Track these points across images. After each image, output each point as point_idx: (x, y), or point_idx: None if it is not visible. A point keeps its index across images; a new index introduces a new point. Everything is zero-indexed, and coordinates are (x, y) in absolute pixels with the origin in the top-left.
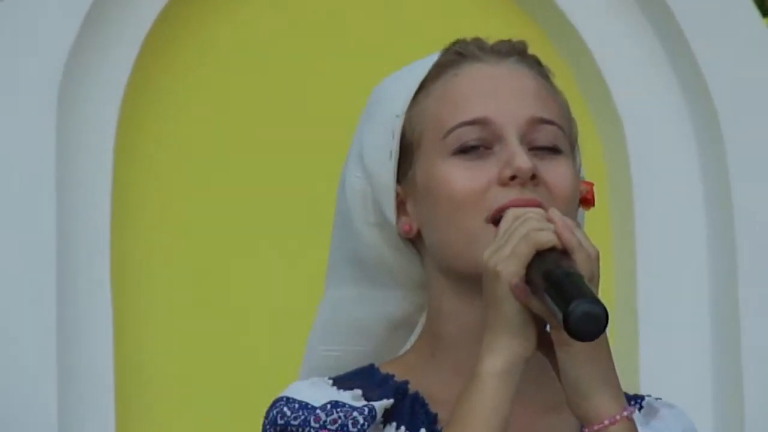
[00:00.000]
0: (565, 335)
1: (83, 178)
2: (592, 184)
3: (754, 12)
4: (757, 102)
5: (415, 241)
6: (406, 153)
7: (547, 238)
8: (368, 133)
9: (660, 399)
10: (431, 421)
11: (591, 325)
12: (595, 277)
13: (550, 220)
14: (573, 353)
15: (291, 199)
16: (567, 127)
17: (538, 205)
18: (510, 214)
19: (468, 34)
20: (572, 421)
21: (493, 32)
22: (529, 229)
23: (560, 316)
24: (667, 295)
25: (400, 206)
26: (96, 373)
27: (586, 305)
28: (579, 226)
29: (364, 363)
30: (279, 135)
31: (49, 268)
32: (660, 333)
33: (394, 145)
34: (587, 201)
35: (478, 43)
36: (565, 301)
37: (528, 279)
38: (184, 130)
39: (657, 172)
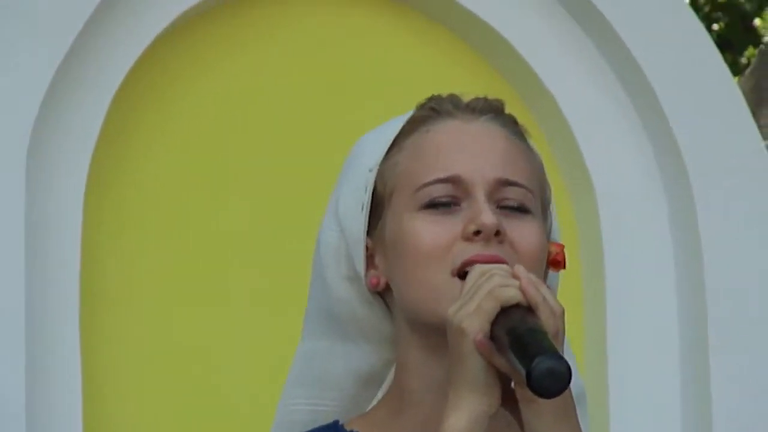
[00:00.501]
0: (528, 392)
1: (53, 219)
2: (562, 246)
3: (726, 72)
4: (729, 159)
5: (384, 295)
6: (378, 207)
7: (511, 294)
8: (344, 188)
9: None
10: None
11: (554, 381)
12: (560, 334)
13: (515, 277)
14: (538, 410)
15: (268, 248)
16: (537, 188)
17: (502, 262)
18: (476, 271)
19: (439, 89)
20: None
21: (463, 89)
22: (494, 285)
23: (523, 372)
24: (637, 359)
25: (370, 260)
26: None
27: (549, 362)
28: (545, 284)
29: (332, 419)
30: (256, 184)
31: (18, 310)
32: (630, 395)
33: (366, 199)
34: (557, 263)
35: (453, 100)
36: (528, 358)
37: (492, 335)
38: (157, 175)
39: (628, 232)
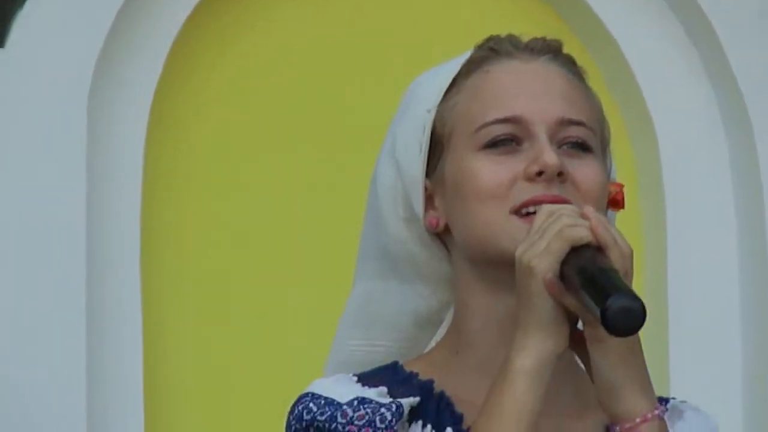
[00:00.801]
0: (598, 332)
1: (114, 169)
2: (622, 186)
3: None
4: None
5: (442, 237)
6: (436, 148)
7: (581, 234)
8: (401, 128)
9: (685, 402)
10: (457, 421)
11: (629, 320)
12: (629, 275)
13: (584, 217)
14: (606, 351)
15: (319, 204)
16: (597, 128)
17: (565, 202)
18: (544, 210)
19: (498, 31)
20: (594, 426)
21: (524, 31)
22: (563, 225)
23: (598, 311)
24: (698, 298)
25: (428, 201)
26: (125, 380)
27: (625, 300)
28: (613, 224)
29: (390, 359)
30: (304, 141)
31: (78, 265)
32: (691, 336)
33: (424, 140)
34: (617, 202)
35: (512, 40)
36: (602, 297)
37: (562, 275)
38: (214, 131)
39: (689, 174)
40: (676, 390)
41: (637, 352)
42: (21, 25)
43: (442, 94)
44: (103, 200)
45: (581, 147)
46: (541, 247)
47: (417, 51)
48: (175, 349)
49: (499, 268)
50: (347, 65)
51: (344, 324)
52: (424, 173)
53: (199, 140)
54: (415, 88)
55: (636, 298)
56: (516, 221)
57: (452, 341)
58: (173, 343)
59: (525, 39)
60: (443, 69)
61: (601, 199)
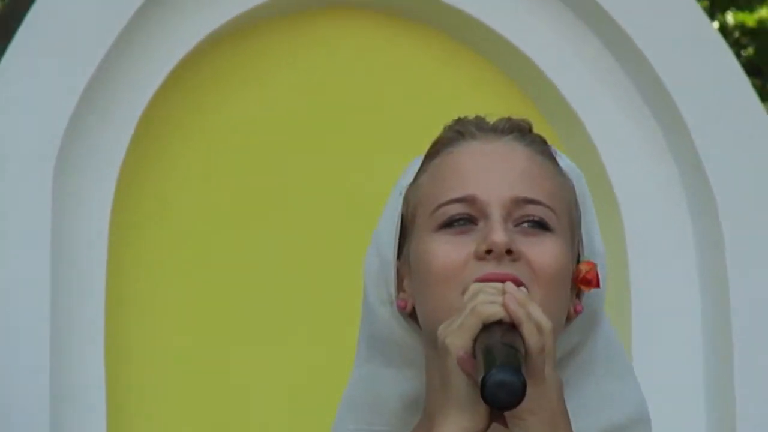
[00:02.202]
0: (515, 410)
1: (80, 240)
2: (594, 265)
3: (754, 97)
4: (756, 184)
5: (415, 317)
6: (406, 230)
7: (492, 311)
8: (383, 213)
9: None
10: None
11: (506, 394)
12: (548, 350)
13: (503, 293)
14: (525, 427)
15: (293, 284)
16: (561, 207)
17: (514, 280)
18: (470, 289)
19: (468, 109)
20: None
21: (489, 111)
22: (477, 302)
23: (479, 383)
24: (659, 375)
25: (400, 283)
26: None
27: (502, 374)
28: (533, 301)
29: None
30: (279, 215)
31: (43, 333)
32: (654, 391)
33: (396, 222)
34: (588, 282)
35: (477, 122)
36: (486, 370)
37: (474, 352)
38: (181, 208)
39: (653, 252)
40: None
41: (561, 427)
42: None
43: (413, 176)
44: (68, 281)
45: (539, 225)
46: (456, 324)
47: (389, 127)
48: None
49: None
50: (321, 138)
51: (341, 409)
52: (395, 255)
53: (167, 210)
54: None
55: (516, 373)
56: None
57: (424, 422)
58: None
59: (492, 120)
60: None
61: (559, 277)
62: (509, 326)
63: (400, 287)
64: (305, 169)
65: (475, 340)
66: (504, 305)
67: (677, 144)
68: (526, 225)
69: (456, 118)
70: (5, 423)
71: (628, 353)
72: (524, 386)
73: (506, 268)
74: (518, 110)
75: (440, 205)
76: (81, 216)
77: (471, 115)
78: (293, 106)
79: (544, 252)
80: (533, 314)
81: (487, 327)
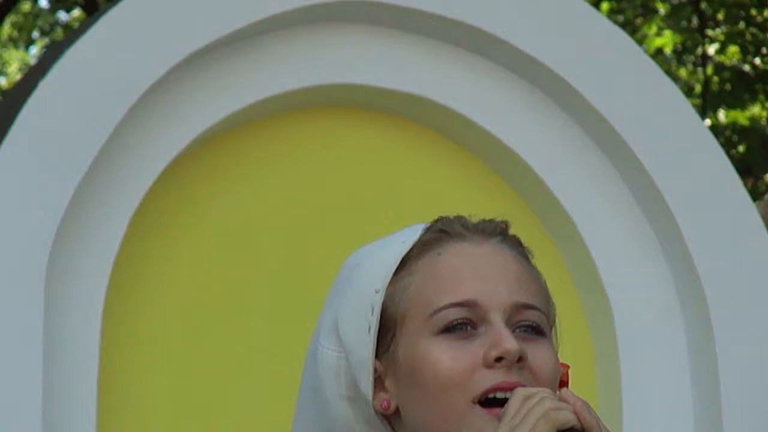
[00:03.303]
0: None
1: (71, 340)
2: (568, 367)
3: (746, 196)
4: (750, 287)
5: (389, 418)
6: (387, 329)
7: (567, 417)
8: (344, 307)
9: None
10: None
11: None
12: None
13: (564, 400)
14: None
15: (278, 374)
16: (546, 309)
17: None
18: (519, 394)
19: (455, 208)
20: None
21: (480, 208)
22: (547, 408)
23: None
24: None
25: (378, 382)
26: None
27: None
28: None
29: None
30: (268, 308)
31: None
32: None
33: (374, 321)
34: (562, 383)
35: (461, 222)
36: None
37: None
38: (173, 302)
39: (645, 352)
40: None
41: None
42: None
43: (391, 274)
44: (60, 379)
45: (535, 331)
46: (525, 430)
47: (382, 225)
48: None
49: None
50: (311, 234)
51: None
52: (374, 354)
53: (158, 309)
54: (355, 265)
55: None
56: (479, 412)
57: None
58: None
59: (473, 220)
60: (386, 248)
61: (556, 381)
62: None
63: (378, 386)
64: (296, 263)
65: None
66: (577, 412)
67: (669, 245)
68: (523, 329)
69: (437, 217)
70: None
71: None
72: None
73: (514, 376)
74: (511, 209)
75: (439, 310)
76: (73, 314)
77: (450, 215)
78: (286, 202)
79: (542, 357)
80: (600, 422)
81: None
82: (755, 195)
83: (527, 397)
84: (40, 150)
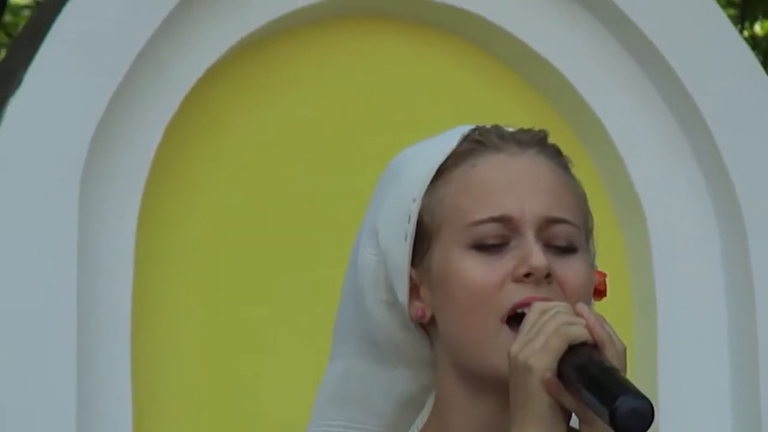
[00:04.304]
0: (594, 431)
1: (106, 249)
2: (605, 275)
3: None
4: None
5: (426, 326)
6: (423, 238)
7: (579, 332)
8: (383, 213)
9: None
10: None
11: (639, 420)
12: (624, 372)
13: (578, 315)
14: None
15: (319, 278)
16: (582, 221)
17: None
18: (536, 308)
19: (488, 119)
20: None
21: (516, 120)
22: (560, 323)
23: (606, 411)
24: (688, 383)
25: (413, 290)
26: None
27: (633, 401)
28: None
29: None
30: (301, 220)
31: (69, 331)
32: (680, 407)
33: (410, 229)
34: (599, 292)
35: (498, 132)
36: (610, 397)
37: (560, 373)
38: (208, 206)
39: (679, 260)
40: None
41: None
42: (14, 110)
43: (428, 183)
44: (94, 287)
45: (567, 246)
46: (538, 344)
47: (407, 133)
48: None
49: (484, 377)
50: (336, 146)
51: (319, 401)
52: (410, 262)
53: (192, 221)
54: (395, 171)
55: (643, 398)
56: (507, 332)
57: (434, 430)
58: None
59: (510, 129)
60: (426, 155)
61: (587, 297)
62: (593, 347)
63: (413, 294)
64: (329, 173)
65: (558, 362)
66: (589, 327)
67: (702, 150)
68: (555, 245)
69: (473, 126)
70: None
71: (654, 352)
72: (653, 410)
73: (543, 291)
74: (539, 115)
75: (474, 224)
76: (107, 224)
77: (487, 124)
78: (319, 111)
79: (574, 273)
80: (613, 336)
81: (571, 348)
82: None
83: (543, 312)
84: (73, 62)
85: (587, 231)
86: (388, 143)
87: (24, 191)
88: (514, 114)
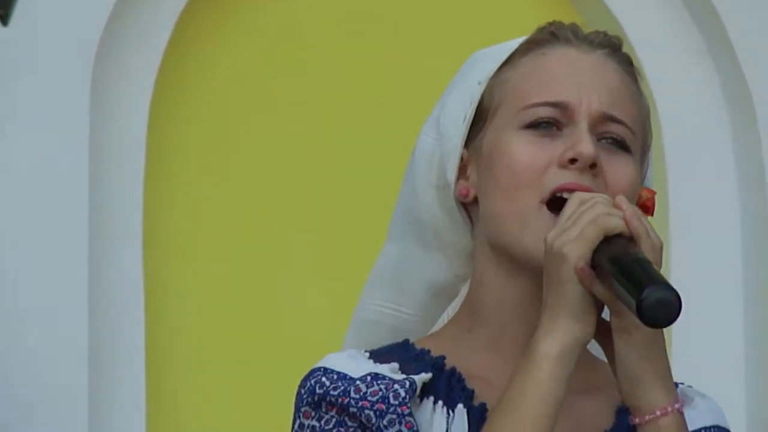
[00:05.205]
0: (625, 323)
1: (117, 153)
2: (654, 193)
3: None
4: None
5: (469, 209)
6: (480, 119)
7: (615, 224)
8: (450, 97)
9: (691, 387)
10: (468, 396)
11: (666, 311)
12: (659, 267)
13: (617, 207)
14: (632, 342)
15: (323, 189)
16: (640, 132)
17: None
18: (576, 197)
19: (515, 26)
20: (606, 405)
21: (532, 22)
22: (597, 213)
23: (634, 302)
24: (700, 281)
25: (462, 170)
26: (127, 361)
27: (661, 292)
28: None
29: (399, 324)
30: (309, 127)
31: (81, 252)
32: (693, 330)
33: (470, 111)
34: (647, 209)
35: (573, 29)
36: (639, 288)
37: (593, 263)
38: (215, 113)
39: (693, 165)
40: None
41: (661, 344)
42: (24, 4)
43: (496, 68)
44: (106, 177)
45: (619, 145)
46: (574, 233)
47: (425, 44)
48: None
49: (519, 258)
50: (352, 55)
51: (368, 282)
52: (464, 142)
53: (203, 120)
54: (472, 60)
55: (672, 290)
56: (544, 215)
57: (465, 319)
58: (175, 339)
59: (586, 30)
60: (501, 45)
61: (630, 198)
62: (628, 240)
63: (461, 174)
64: (341, 72)
65: (593, 252)
66: (626, 219)
67: (715, 46)
68: (607, 141)
69: (551, 21)
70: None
71: (666, 263)
72: (680, 302)
73: (586, 181)
74: (554, 7)
75: (530, 106)
76: (119, 118)
77: (565, 21)
78: (343, 17)
79: (621, 172)
80: (650, 230)
81: (607, 239)
82: None
83: (582, 202)
84: None
85: (644, 145)
86: (391, 46)
87: (34, 85)
88: (530, 11)
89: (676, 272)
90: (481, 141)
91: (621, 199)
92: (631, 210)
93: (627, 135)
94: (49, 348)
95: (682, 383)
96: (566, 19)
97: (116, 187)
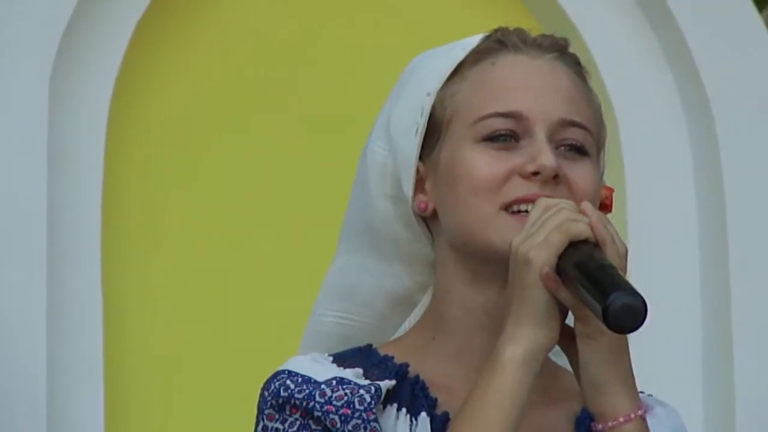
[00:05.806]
0: (589, 329)
1: (75, 151)
2: (612, 190)
3: (750, 6)
4: (752, 97)
5: (428, 221)
6: (433, 132)
7: (581, 229)
8: (397, 107)
9: (651, 396)
10: (431, 405)
11: (631, 316)
12: (624, 273)
13: (583, 213)
14: (596, 348)
15: (290, 182)
16: (596, 131)
17: None
18: (542, 203)
19: (468, 27)
20: (564, 417)
21: (489, 25)
22: (563, 219)
23: (599, 308)
24: (657, 296)
25: (419, 183)
26: (86, 361)
27: (627, 297)
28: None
29: (359, 335)
30: (276, 123)
31: (39, 242)
32: (649, 329)
33: (422, 123)
34: (605, 206)
35: (519, 34)
36: (604, 293)
37: (558, 269)
38: (178, 114)
39: (651, 171)
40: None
41: (625, 350)
42: None
43: (445, 78)
44: (64, 179)
45: (578, 150)
46: (539, 239)
47: (384, 42)
48: (137, 344)
49: (483, 261)
50: (312, 49)
51: (320, 293)
52: (418, 155)
53: (161, 122)
54: (414, 67)
55: (638, 295)
56: (505, 217)
57: (429, 326)
58: (135, 335)
59: (533, 34)
60: (445, 53)
61: (594, 202)
62: (594, 246)
63: (418, 187)
64: (302, 69)
65: (558, 257)
66: (591, 225)
67: (674, 53)
68: (566, 149)
69: (497, 27)
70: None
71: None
72: (646, 307)
73: (549, 191)
74: (514, 16)
75: (484, 117)
76: (79, 116)
77: (510, 27)
78: (301, 9)
79: (583, 177)
80: (615, 236)
81: (572, 245)
82: (760, 5)
83: (547, 207)
84: None
85: (599, 142)
86: (357, 51)
87: None
88: (486, 17)
89: (634, 275)
90: (438, 155)
91: (586, 206)
92: (596, 216)
93: (585, 138)
94: (6, 353)
95: (642, 392)
96: (517, 22)
97: (75, 189)
